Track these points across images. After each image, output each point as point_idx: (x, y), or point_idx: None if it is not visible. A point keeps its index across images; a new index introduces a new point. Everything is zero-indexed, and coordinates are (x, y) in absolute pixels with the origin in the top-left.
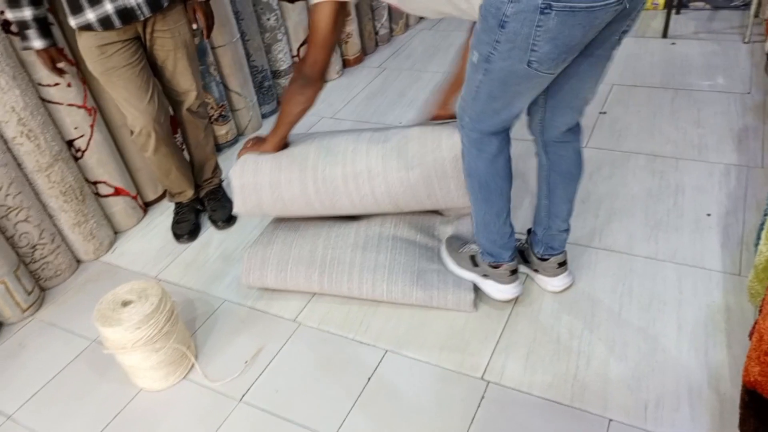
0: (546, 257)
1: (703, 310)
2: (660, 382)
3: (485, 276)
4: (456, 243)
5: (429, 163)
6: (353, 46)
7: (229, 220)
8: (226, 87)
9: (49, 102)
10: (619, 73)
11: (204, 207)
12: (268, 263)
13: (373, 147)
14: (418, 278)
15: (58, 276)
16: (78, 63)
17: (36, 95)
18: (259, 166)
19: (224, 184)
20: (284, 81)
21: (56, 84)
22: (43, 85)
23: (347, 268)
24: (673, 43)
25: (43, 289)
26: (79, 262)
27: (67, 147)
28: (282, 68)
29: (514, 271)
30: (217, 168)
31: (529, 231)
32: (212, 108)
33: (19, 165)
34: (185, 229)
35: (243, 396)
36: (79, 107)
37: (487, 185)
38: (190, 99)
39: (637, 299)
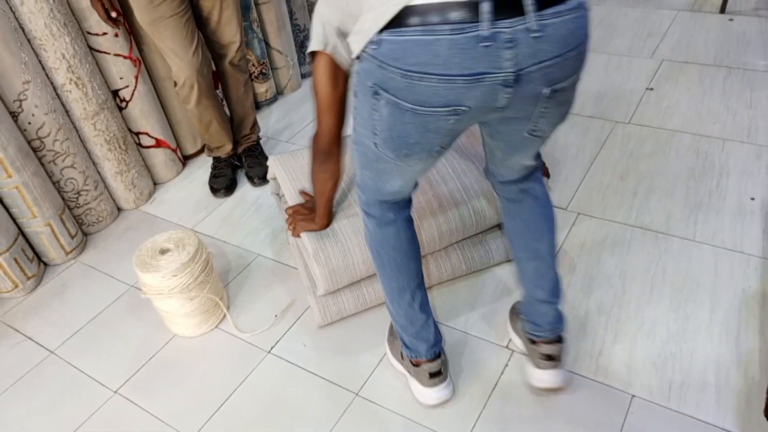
0: (533, 339)
1: (738, 294)
2: (687, 363)
3: (409, 373)
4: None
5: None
6: None
7: (265, 177)
8: (267, 44)
9: (97, 51)
10: (670, 48)
11: (241, 163)
12: (340, 294)
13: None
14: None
15: (100, 222)
16: (126, 13)
17: (85, 44)
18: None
19: (262, 141)
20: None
21: (104, 33)
22: (92, 34)
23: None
24: (730, 19)
25: (85, 234)
26: (120, 210)
27: (112, 96)
28: None
29: (436, 374)
30: (255, 125)
31: None
32: (253, 65)
33: (67, 112)
34: (222, 183)
35: (272, 348)
36: (125, 58)
37: (378, 255)
38: (232, 52)
39: (671, 279)
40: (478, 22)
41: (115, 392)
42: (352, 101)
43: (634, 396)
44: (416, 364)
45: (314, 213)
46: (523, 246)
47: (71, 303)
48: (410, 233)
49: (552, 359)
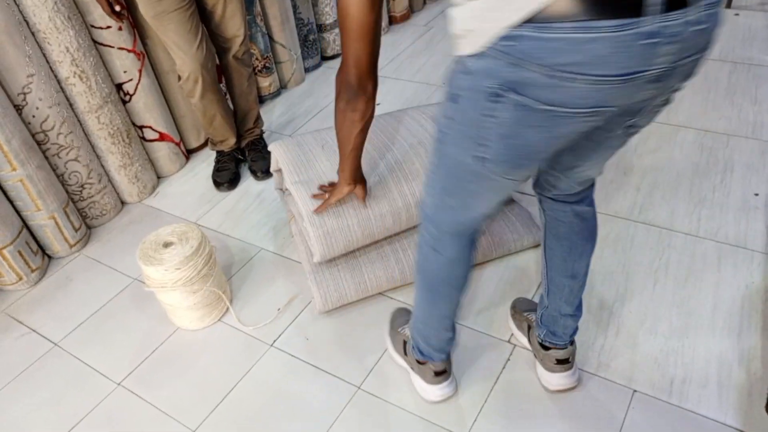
0: (546, 345)
1: (741, 290)
2: (689, 358)
3: (412, 368)
4: (399, 319)
5: None
6: (400, 3)
7: (269, 171)
8: (271, 38)
9: (101, 44)
10: None
11: (244, 157)
12: (341, 280)
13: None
14: (492, 235)
15: (103, 215)
16: (130, 7)
17: (89, 37)
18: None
19: (265, 135)
20: (329, 35)
21: (108, 27)
22: (96, 27)
23: None
24: (736, 14)
25: (89, 227)
26: (123, 203)
27: (116, 90)
28: (328, 22)
29: (441, 373)
30: (258, 119)
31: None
32: (257, 59)
33: (71, 105)
34: (225, 177)
35: (274, 341)
36: (129, 51)
37: (436, 290)
38: (236, 45)
39: (674, 275)
40: (640, 17)
41: (119, 384)
42: (445, 109)
43: (635, 391)
44: (422, 363)
45: (339, 184)
46: (562, 267)
47: (75, 295)
48: (472, 264)
49: (567, 362)
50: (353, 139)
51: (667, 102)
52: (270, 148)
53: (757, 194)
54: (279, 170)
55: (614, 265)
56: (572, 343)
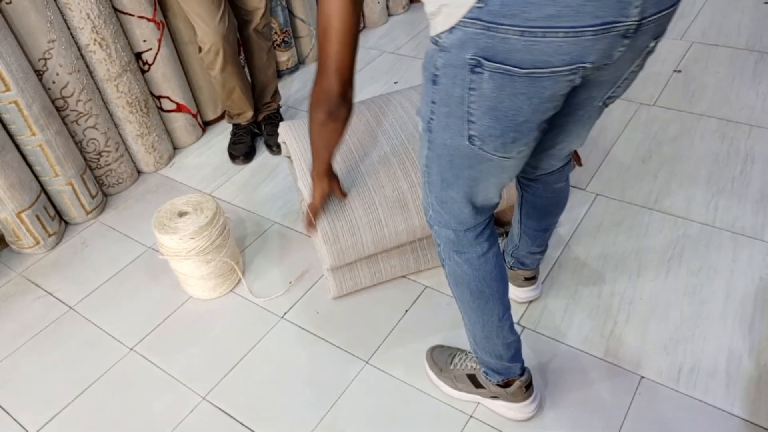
0: (514, 269)
1: (755, 282)
2: (699, 347)
3: (494, 397)
4: (441, 358)
5: None
6: None
7: None
8: (291, 13)
9: (121, 12)
10: (702, 31)
11: (261, 131)
12: (356, 269)
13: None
14: None
15: (120, 184)
16: None
17: (109, 4)
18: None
19: (282, 110)
20: None
21: None
22: None
23: None
24: (766, 2)
25: (105, 195)
26: (139, 172)
27: (135, 59)
28: None
29: (530, 385)
30: (276, 93)
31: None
32: (276, 33)
33: (90, 72)
34: (241, 150)
35: (285, 314)
36: (149, 20)
37: (481, 293)
38: (257, 18)
39: (687, 264)
40: None
41: (131, 349)
42: (427, 94)
43: (643, 377)
44: (507, 385)
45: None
46: (536, 225)
47: (90, 261)
48: (500, 252)
49: (531, 279)
50: (331, 147)
51: (641, 67)
52: (279, 128)
53: None
54: (289, 157)
55: (627, 252)
56: (536, 267)
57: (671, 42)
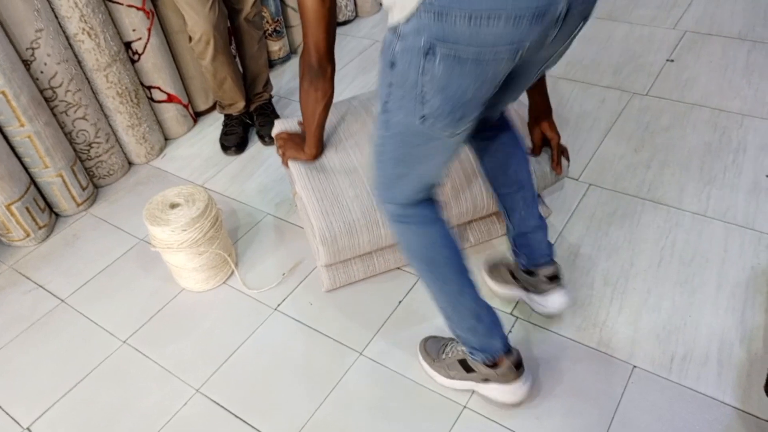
0: (531, 270)
1: (746, 271)
2: (691, 336)
3: (485, 380)
4: (434, 348)
5: None
6: None
7: None
8: (282, 1)
9: (110, 1)
10: (695, 20)
11: (252, 121)
12: (349, 262)
13: None
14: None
15: (111, 175)
16: None
17: None
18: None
19: (274, 100)
20: (340, 0)
21: None
22: None
23: None
24: None
25: (96, 187)
26: (130, 164)
27: (125, 48)
28: None
29: (519, 364)
30: (268, 83)
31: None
32: (267, 22)
33: (79, 62)
34: (233, 141)
35: (278, 305)
36: (138, 9)
37: (432, 261)
38: (248, 7)
39: (680, 253)
40: None
41: (124, 342)
42: (384, 77)
43: (635, 367)
44: (495, 365)
45: (305, 142)
46: (506, 181)
47: (82, 254)
48: (446, 222)
49: (557, 278)
50: (317, 116)
51: (570, 43)
52: (275, 124)
53: None
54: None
55: (620, 242)
56: (554, 262)
57: (664, 31)
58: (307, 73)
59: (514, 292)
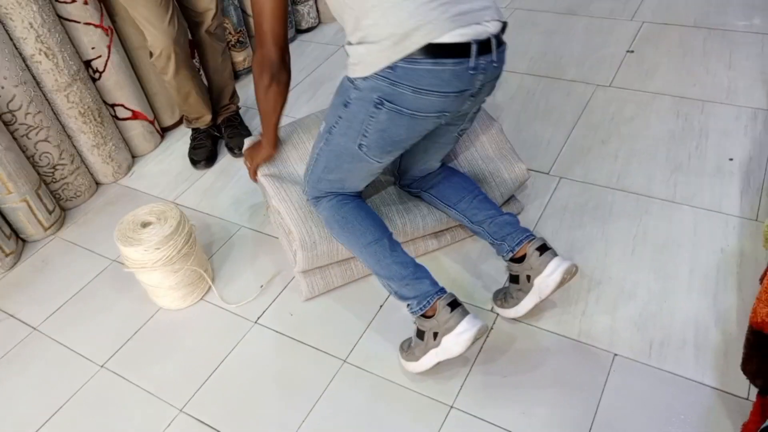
0: (520, 254)
1: (716, 254)
2: (667, 321)
3: (435, 335)
4: (406, 343)
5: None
6: None
7: None
8: (244, 12)
9: (67, 20)
10: (651, 11)
11: (221, 134)
12: (327, 268)
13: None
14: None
15: (78, 197)
16: None
17: (53, 12)
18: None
19: (241, 111)
20: (303, 7)
21: (73, 0)
22: (60, 2)
23: (401, 228)
24: None
25: (63, 209)
26: (98, 184)
27: (84, 67)
28: None
29: (455, 304)
30: (234, 95)
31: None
32: (230, 33)
33: (38, 84)
34: (202, 155)
35: (258, 318)
36: (96, 26)
37: (346, 220)
38: (208, 19)
39: (652, 241)
40: (468, 57)
41: (102, 366)
42: (336, 110)
43: (616, 355)
44: (431, 314)
45: (263, 146)
46: (458, 197)
47: (52, 279)
48: (364, 202)
49: (546, 248)
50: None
51: (479, 110)
52: (245, 142)
53: (731, 159)
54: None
55: (594, 233)
56: (533, 236)
57: (623, 23)
58: (267, 70)
59: (528, 296)
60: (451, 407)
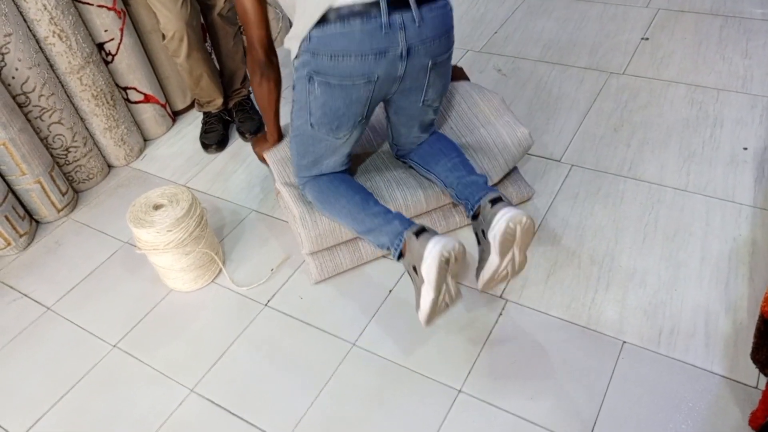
0: (479, 208)
1: (728, 243)
2: (677, 309)
3: (416, 270)
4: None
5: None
6: None
7: (257, 131)
8: None
9: (80, 2)
10: None
11: (232, 118)
12: (336, 250)
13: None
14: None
15: (90, 179)
16: None
17: None
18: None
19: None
20: None
21: None
22: None
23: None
24: None
25: (76, 191)
26: (110, 167)
27: (97, 50)
28: None
29: (420, 231)
30: (246, 79)
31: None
32: None
33: (51, 66)
34: (213, 139)
35: (268, 301)
36: (109, 9)
37: (321, 193)
38: (220, 2)
39: (663, 229)
40: (379, 15)
41: (114, 346)
42: (292, 96)
43: (625, 342)
44: (405, 249)
45: (268, 139)
46: (435, 161)
47: (65, 260)
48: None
49: (500, 200)
50: (274, 104)
51: (438, 78)
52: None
53: (745, 148)
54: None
55: (604, 221)
56: (492, 191)
57: (638, 10)
58: (257, 69)
59: (491, 257)
60: (459, 391)
